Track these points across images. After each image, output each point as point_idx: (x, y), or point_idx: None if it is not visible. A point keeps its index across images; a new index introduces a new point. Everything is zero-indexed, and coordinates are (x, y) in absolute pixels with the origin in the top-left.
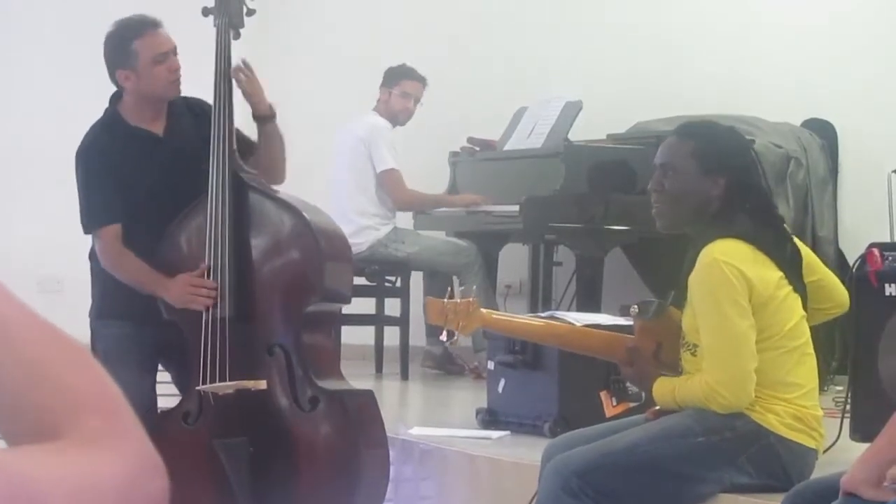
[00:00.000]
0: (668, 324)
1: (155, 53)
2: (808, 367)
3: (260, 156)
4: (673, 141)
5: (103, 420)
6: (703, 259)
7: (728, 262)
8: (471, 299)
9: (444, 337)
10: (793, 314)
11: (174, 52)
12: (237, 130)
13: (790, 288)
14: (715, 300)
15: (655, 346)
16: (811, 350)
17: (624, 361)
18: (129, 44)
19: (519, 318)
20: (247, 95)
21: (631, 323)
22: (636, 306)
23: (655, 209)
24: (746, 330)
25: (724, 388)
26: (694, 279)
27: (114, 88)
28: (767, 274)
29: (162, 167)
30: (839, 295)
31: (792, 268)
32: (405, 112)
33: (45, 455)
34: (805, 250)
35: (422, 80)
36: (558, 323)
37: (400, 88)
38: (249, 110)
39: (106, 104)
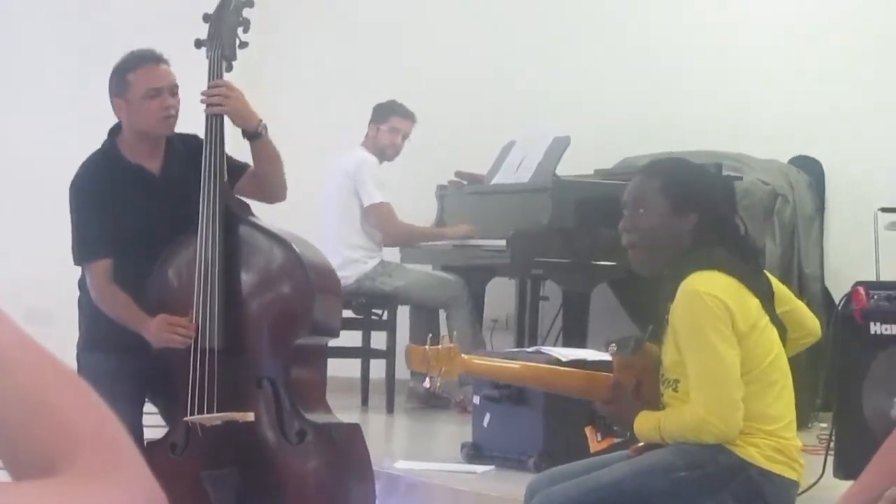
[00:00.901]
0: (648, 359)
1: (147, 87)
2: (786, 400)
3: (256, 174)
4: (640, 180)
5: (102, 454)
6: (684, 291)
7: (709, 292)
8: (452, 346)
9: (427, 384)
10: (772, 346)
11: (171, 89)
12: (227, 156)
13: (768, 319)
14: (699, 331)
15: (636, 383)
16: (790, 383)
17: (605, 399)
18: (126, 74)
19: (499, 361)
20: (231, 117)
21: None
22: (615, 344)
23: (630, 250)
24: (732, 358)
25: (714, 418)
26: (676, 312)
27: (109, 121)
28: (748, 304)
29: (155, 205)
30: (810, 323)
31: (767, 300)
32: (392, 148)
33: (44, 492)
34: (774, 281)
35: (410, 117)
36: (538, 365)
37: (388, 124)
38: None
39: (98, 136)
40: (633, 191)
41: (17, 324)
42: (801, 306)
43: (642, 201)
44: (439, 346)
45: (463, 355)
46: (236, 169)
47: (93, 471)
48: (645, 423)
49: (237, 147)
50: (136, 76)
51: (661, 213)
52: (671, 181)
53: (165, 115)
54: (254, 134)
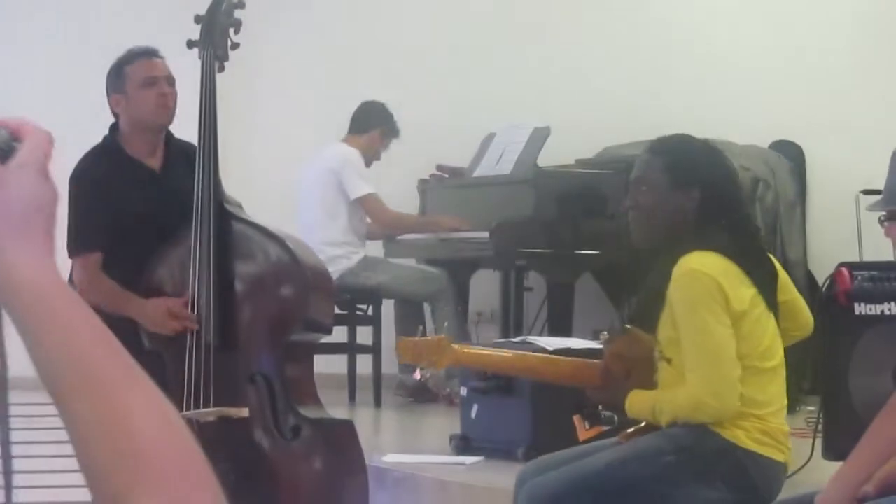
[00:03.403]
0: (638, 347)
1: (144, 77)
2: (778, 386)
3: None
4: (646, 156)
5: (170, 491)
6: (680, 270)
7: (704, 271)
8: (442, 336)
9: (417, 375)
10: (766, 333)
11: (167, 80)
12: None
13: (764, 306)
14: (694, 310)
15: (626, 371)
16: (783, 370)
17: (596, 386)
18: (122, 69)
19: (490, 351)
20: None
21: (602, 346)
22: (606, 332)
23: (630, 225)
24: (727, 338)
25: (710, 398)
26: (673, 291)
27: (97, 126)
28: (742, 290)
29: (154, 201)
30: (804, 318)
31: (767, 285)
32: (376, 156)
33: None
34: (779, 269)
35: (398, 134)
36: (528, 354)
37: (388, 139)
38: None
39: (86, 139)
40: (638, 168)
41: (111, 334)
42: (798, 299)
43: (645, 178)
44: (429, 338)
45: (454, 346)
46: None
47: None
48: (638, 403)
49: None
50: (133, 68)
51: (662, 190)
52: (675, 158)
53: (163, 102)
54: None
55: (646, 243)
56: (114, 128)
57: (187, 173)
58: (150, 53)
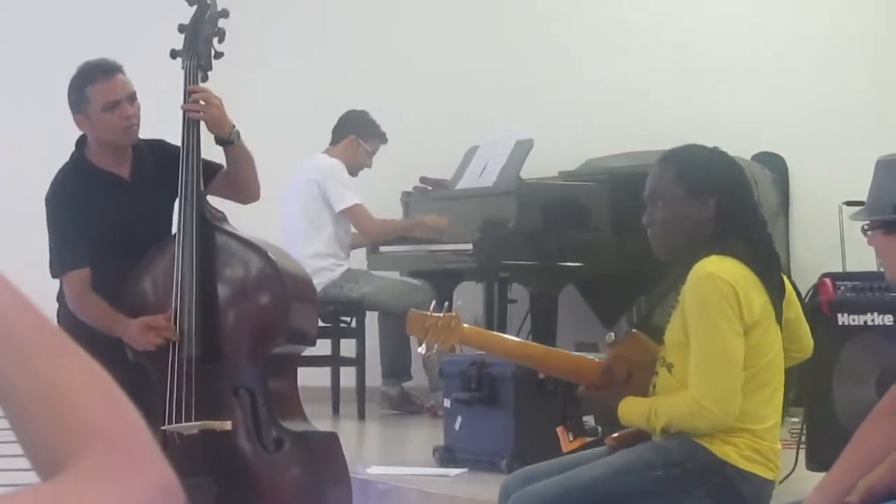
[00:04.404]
0: (641, 352)
1: (105, 101)
2: (775, 404)
3: (230, 177)
4: (657, 170)
5: (112, 453)
6: (697, 273)
7: (723, 277)
8: (453, 314)
9: (422, 349)
10: (772, 346)
11: (129, 99)
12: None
13: (774, 317)
14: (708, 314)
15: (626, 374)
16: (781, 387)
17: (594, 384)
18: (84, 90)
19: (497, 335)
20: (208, 124)
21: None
22: (612, 334)
23: (651, 241)
24: (737, 347)
25: (712, 403)
26: (688, 293)
27: (73, 134)
28: (756, 298)
29: (128, 210)
30: (806, 340)
31: (777, 300)
32: (361, 168)
33: (38, 494)
34: (787, 285)
35: (383, 138)
36: (533, 344)
37: (371, 145)
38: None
39: (61, 149)
40: (650, 183)
41: (39, 309)
42: (802, 320)
43: (660, 193)
44: (440, 314)
45: (463, 325)
46: (210, 170)
47: (97, 471)
48: (633, 409)
49: (209, 147)
50: (94, 91)
51: (678, 201)
52: (687, 168)
53: (126, 124)
54: (226, 141)
55: (668, 256)
56: (79, 142)
57: (156, 171)
58: (109, 71)
